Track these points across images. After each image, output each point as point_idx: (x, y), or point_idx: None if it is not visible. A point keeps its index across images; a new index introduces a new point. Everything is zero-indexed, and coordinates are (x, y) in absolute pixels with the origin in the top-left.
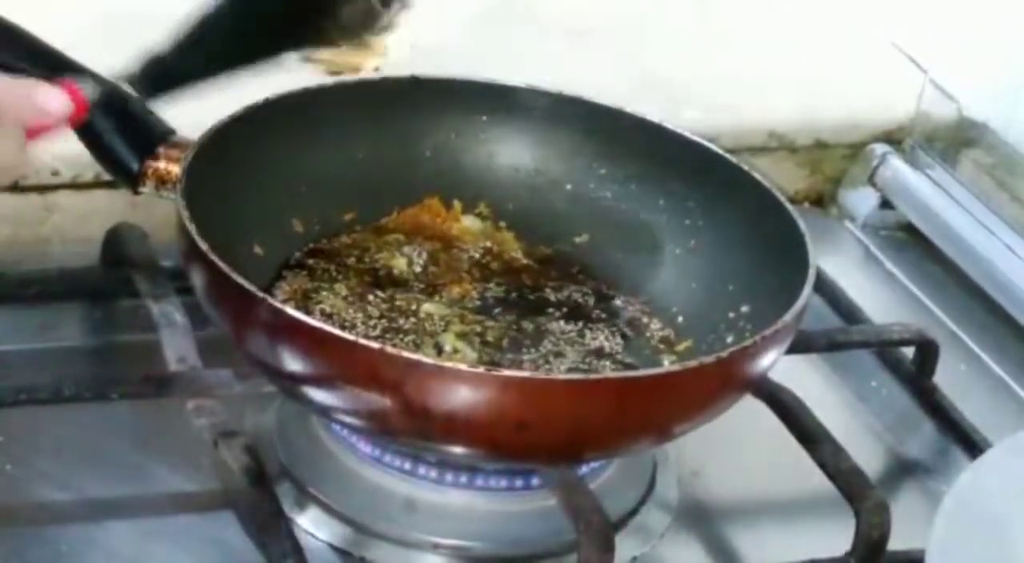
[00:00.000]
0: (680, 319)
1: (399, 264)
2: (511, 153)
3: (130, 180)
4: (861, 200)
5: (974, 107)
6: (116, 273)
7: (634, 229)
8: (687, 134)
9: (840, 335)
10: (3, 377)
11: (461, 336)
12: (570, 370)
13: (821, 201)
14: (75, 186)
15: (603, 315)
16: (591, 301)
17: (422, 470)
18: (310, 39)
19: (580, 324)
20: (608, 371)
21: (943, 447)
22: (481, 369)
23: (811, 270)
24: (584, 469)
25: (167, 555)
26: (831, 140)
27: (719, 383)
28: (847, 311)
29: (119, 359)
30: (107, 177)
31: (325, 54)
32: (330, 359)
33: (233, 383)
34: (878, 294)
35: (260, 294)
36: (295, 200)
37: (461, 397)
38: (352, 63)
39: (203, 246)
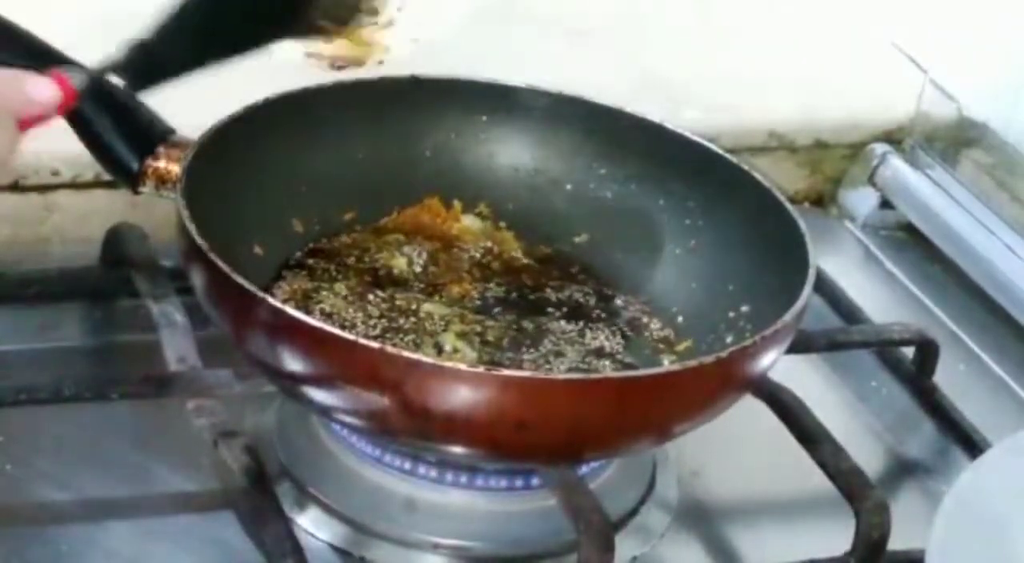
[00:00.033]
0: (680, 319)
1: (399, 264)
2: (511, 153)
3: (130, 180)
4: (861, 200)
5: (974, 107)
6: (116, 273)
7: (634, 229)
8: (687, 134)
9: (840, 335)
10: (3, 377)
11: (461, 336)
12: (570, 370)
13: (821, 201)
14: (75, 186)
15: (603, 315)
16: (591, 301)
17: (422, 470)
18: (296, 28)
19: (580, 324)
20: (608, 371)
21: (943, 447)
22: (481, 369)
23: (811, 270)
24: (584, 469)
25: (167, 555)
26: (831, 140)
27: (719, 383)
28: (847, 311)
29: (119, 359)
30: (107, 177)
31: (328, 49)
32: (330, 359)
33: (233, 383)
34: (878, 294)
35: (260, 294)
36: (295, 200)
37: (461, 397)
38: (355, 57)
39: (203, 246)
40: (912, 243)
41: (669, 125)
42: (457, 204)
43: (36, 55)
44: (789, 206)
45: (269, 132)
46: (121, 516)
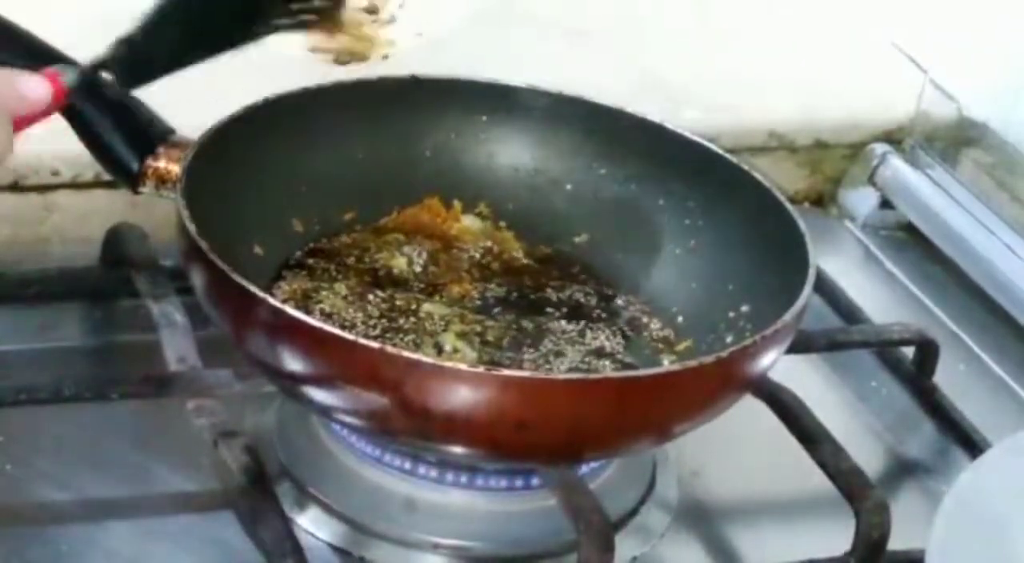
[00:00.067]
0: (680, 319)
1: (399, 264)
2: (511, 153)
3: (130, 180)
4: (861, 200)
5: (974, 107)
6: (116, 273)
7: (634, 229)
8: (687, 134)
9: (840, 335)
10: (3, 377)
11: (461, 336)
12: (570, 370)
13: (821, 201)
14: (75, 186)
15: (603, 315)
16: (591, 301)
17: (422, 470)
18: (282, 21)
19: (580, 324)
20: (608, 371)
21: (943, 447)
22: (481, 369)
23: (811, 270)
24: (584, 469)
25: (167, 555)
26: (831, 140)
27: (719, 383)
28: (847, 311)
29: (119, 359)
30: (107, 177)
31: (332, 44)
32: (330, 359)
33: (233, 383)
34: (878, 294)
35: (260, 294)
36: (295, 200)
37: (461, 397)
38: (359, 52)
39: (203, 246)
40: (912, 243)
41: (669, 125)
42: (457, 204)
43: (34, 54)
44: (789, 206)
45: (269, 132)
46: (121, 516)
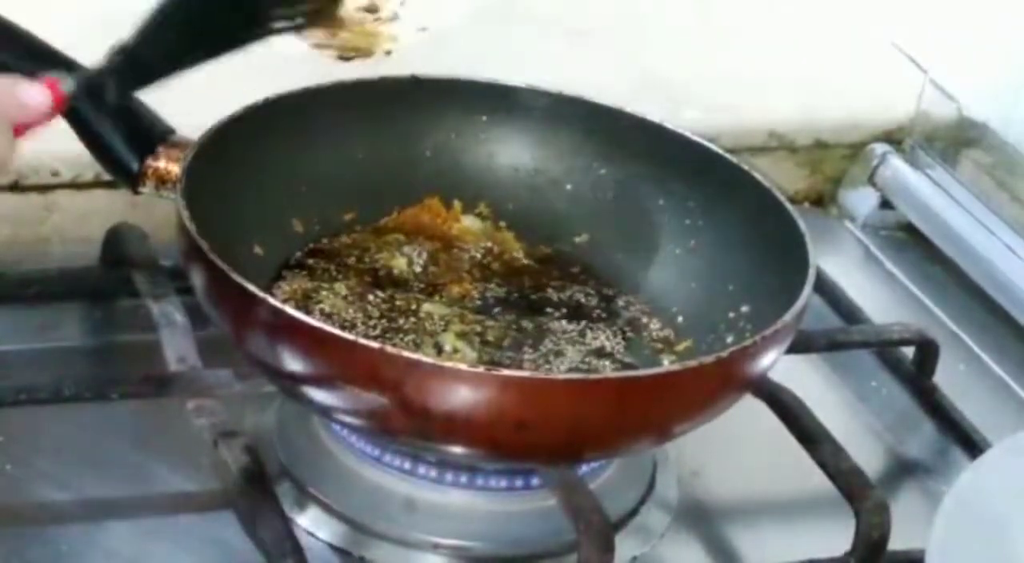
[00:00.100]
0: (680, 319)
1: (399, 264)
2: (511, 153)
3: (130, 180)
4: (861, 200)
5: (974, 107)
6: (116, 273)
7: (634, 229)
8: (687, 134)
9: (840, 335)
10: (3, 377)
11: (461, 336)
12: (570, 370)
13: (821, 201)
14: (75, 186)
15: (603, 315)
16: (591, 301)
17: (422, 470)
18: (282, 22)
19: (580, 324)
20: (608, 371)
21: (943, 447)
22: (481, 369)
23: (811, 270)
24: (584, 469)
25: (167, 555)
26: (831, 140)
27: (719, 383)
28: (847, 311)
29: (119, 359)
30: (107, 177)
31: (335, 40)
32: (330, 359)
33: (233, 383)
34: (878, 294)
35: (260, 294)
36: (295, 200)
37: (461, 397)
38: (363, 48)
39: (203, 246)
40: (912, 243)
41: (669, 125)
42: (457, 204)
43: (35, 56)
44: (789, 206)
45: (269, 132)
46: (121, 516)
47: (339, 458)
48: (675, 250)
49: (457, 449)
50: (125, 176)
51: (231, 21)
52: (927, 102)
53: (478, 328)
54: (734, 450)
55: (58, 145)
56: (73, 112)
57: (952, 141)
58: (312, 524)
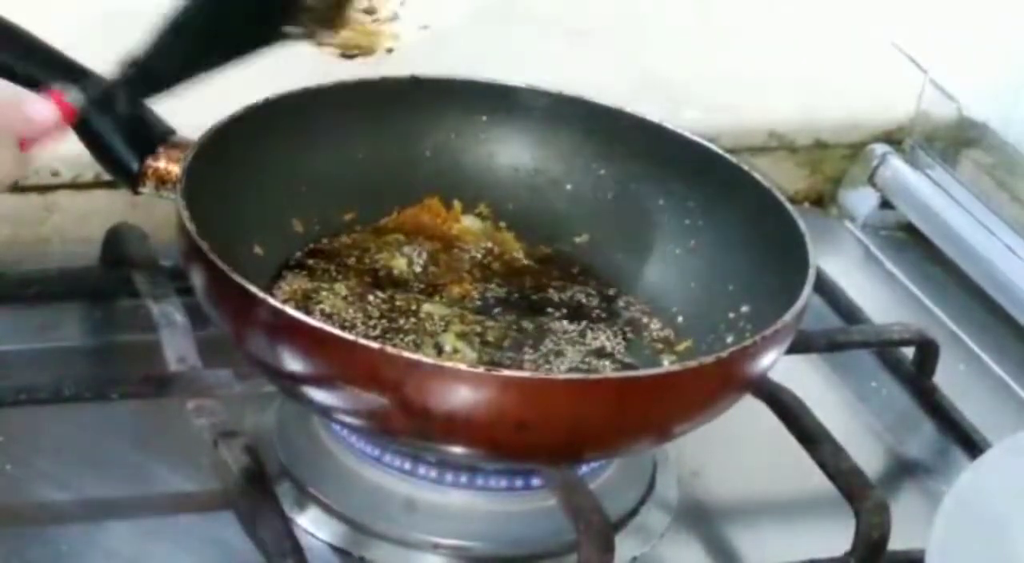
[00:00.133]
0: (680, 319)
1: (399, 264)
2: (511, 153)
3: (130, 180)
4: (861, 200)
5: (974, 107)
6: (116, 273)
7: (634, 229)
8: (687, 134)
9: (840, 335)
10: (3, 377)
11: (461, 336)
12: (570, 370)
13: (821, 201)
14: (75, 186)
15: (603, 315)
16: (591, 301)
17: (422, 470)
18: (293, 28)
19: (580, 324)
20: (608, 371)
21: (943, 447)
22: (481, 369)
23: (811, 270)
24: (584, 469)
25: (167, 555)
26: (831, 140)
27: (719, 383)
28: (847, 311)
29: (119, 359)
30: (107, 177)
31: (337, 38)
32: (330, 359)
33: (233, 383)
34: (878, 294)
35: (260, 294)
36: (295, 200)
37: (461, 397)
38: (365, 46)
39: (203, 246)
40: (912, 243)
41: (669, 125)
42: (457, 204)
43: (46, 63)
44: (789, 206)
45: (269, 132)
46: (121, 516)
47: (339, 458)
48: (675, 250)
49: (457, 449)
50: (125, 176)
51: (243, 29)
52: (927, 102)
53: (478, 328)
54: (734, 450)
55: (58, 145)
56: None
57: (952, 141)
58: (312, 524)
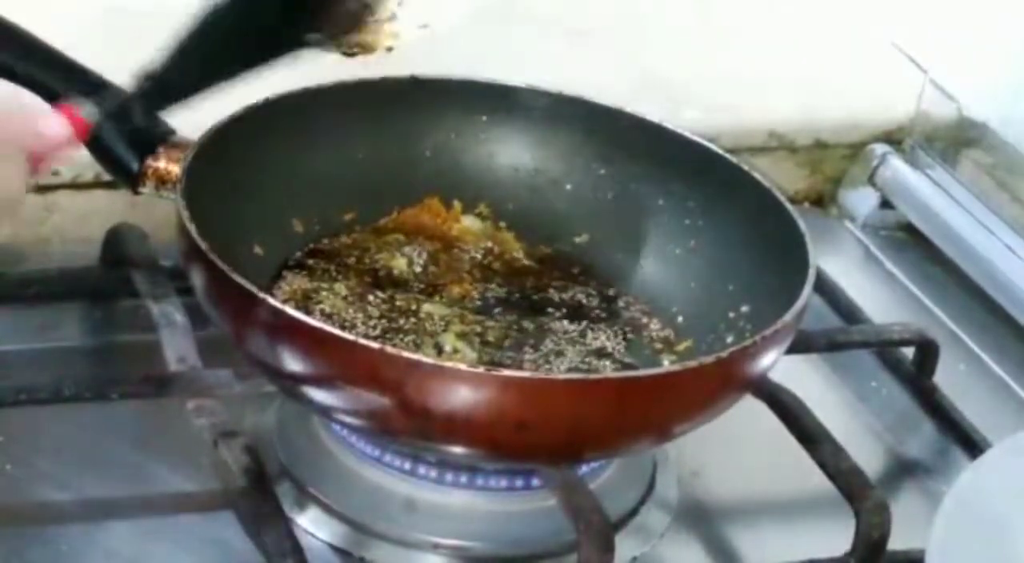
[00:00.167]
0: (680, 319)
1: (399, 264)
2: (511, 153)
3: (130, 180)
4: (861, 200)
5: (974, 107)
6: (116, 273)
7: (634, 229)
8: (687, 134)
9: (840, 335)
10: (3, 377)
11: (461, 336)
12: (570, 370)
13: (821, 201)
14: (75, 186)
15: (603, 315)
16: (591, 301)
17: (422, 470)
18: (314, 37)
19: (581, 324)
20: (608, 371)
21: (943, 447)
22: (481, 369)
23: (811, 270)
24: (584, 469)
25: (167, 555)
26: (831, 140)
27: (719, 383)
28: (847, 311)
29: (119, 359)
30: (107, 177)
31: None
32: (330, 359)
33: (233, 383)
34: (878, 294)
35: (260, 294)
36: (295, 200)
37: (461, 397)
38: (367, 43)
39: (203, 246)
40: (912, 243)
41: (669, 125)
42: (457, 204)
43: (57, 71)
44: (789, 206)
45: (269, 132)
46: (121, 516)
47: (339, 458)
48: (675, 250)
49: (457, 449)
50: (125, 176)
51: (263, 39)
52: (927, 102)
53: (478, 328)
54: (734, 450)
55: None
56: None
57: (952, 141)
58: (312, 524)
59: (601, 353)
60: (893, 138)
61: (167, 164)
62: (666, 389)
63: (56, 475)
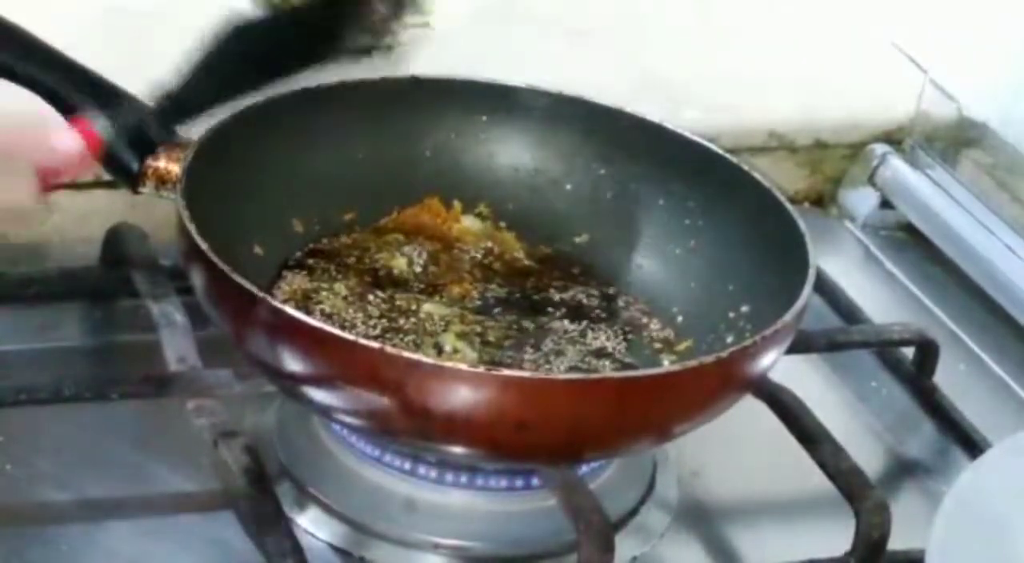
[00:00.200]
0: (680, 319)
1: (399, 264)
2: (511, 153)
3: (130, 180)
4: (861, 200)
5: (974, 107)
6: (116, 273)
7: (634, 229)
8: (687, 134)
9: (840, 335)
10: (3, 377)
11: (461, 336)
12: (570, 370)
13: (821, 201)
14: (75, 186)
15: (603, 315)
16: (591, 301)
17: (422, 470)
18: (321, 59)
19: (581, 324)
20: (608, 371)
21: (943, 447)
22: (481, 369)
23: (811, 270)
24: (584, 469)
25: (167, 555)
26: (831, 140)
27: (719, 383)
28: (847, 311)
29: (119, 359)
30: (107, 177)
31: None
32: (330, 359)
33: (233, 383)
34: (878, 294)
35: (260, 294)
36: (295, 200)
37: (461, 397)
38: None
39: (203, 246)
40: (912, 243)
41: (669, 125)
42: (457, 204)
43: (73, 82)
44: (789, 206)
45: (269, 132)
46: (121, 516)
47: (339, 458)
48: (675, 250)
49: (457, 449)
50: (125, 176)
51: (281, 58)
52: (927, 102)
53: (478, 328)
54: (734, 450)
55: None
56: None
57: (952, 141)
58: (312, 524)
59: (601, 353)
60: (893, 138)
61: (167, 164)
62: (666, 389)
63: (56, 475)
